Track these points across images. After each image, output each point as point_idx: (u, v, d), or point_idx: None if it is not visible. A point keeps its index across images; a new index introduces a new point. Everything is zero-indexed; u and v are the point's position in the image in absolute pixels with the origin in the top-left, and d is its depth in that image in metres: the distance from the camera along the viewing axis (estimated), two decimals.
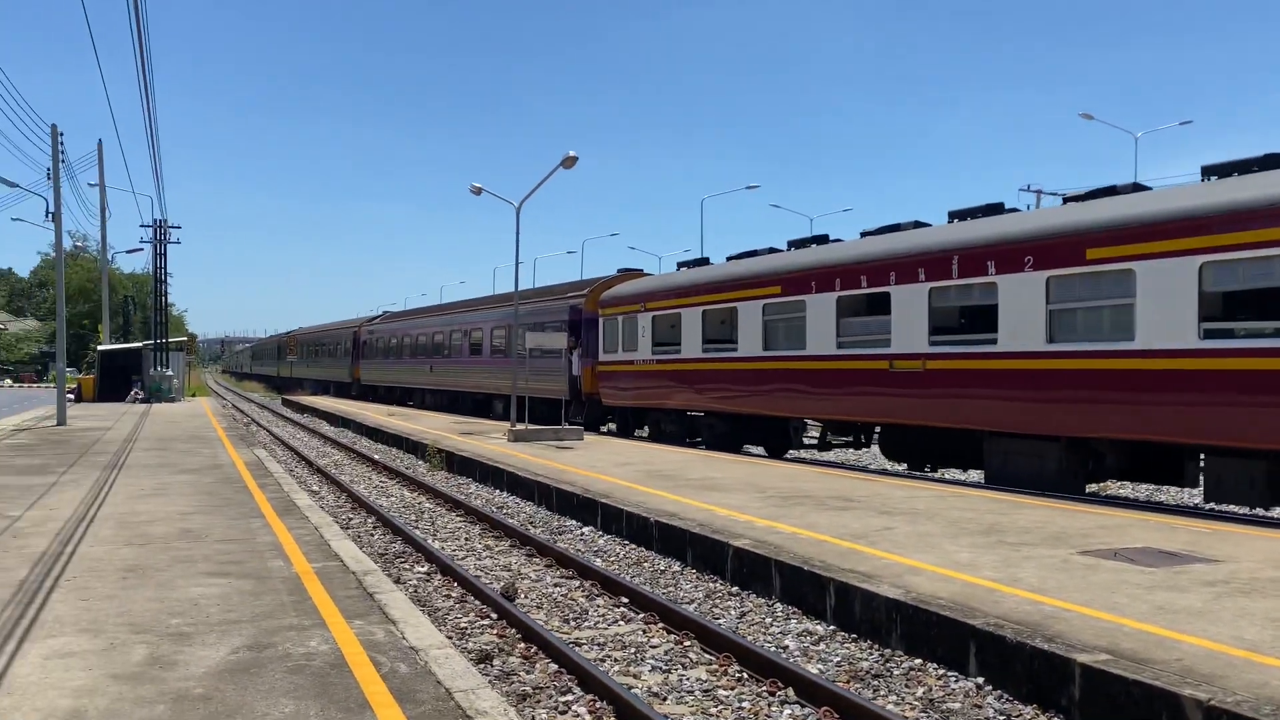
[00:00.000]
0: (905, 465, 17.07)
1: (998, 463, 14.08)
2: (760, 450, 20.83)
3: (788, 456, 20.18)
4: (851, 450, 20.84)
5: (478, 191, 25.82)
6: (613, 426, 27.33)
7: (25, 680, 5.39)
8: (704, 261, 22.91)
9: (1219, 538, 9.50)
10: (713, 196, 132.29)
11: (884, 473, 16.69)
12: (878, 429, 17.60)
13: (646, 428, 24.96)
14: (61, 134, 31.32)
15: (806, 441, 20.43)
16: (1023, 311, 13.40)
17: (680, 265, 23.65)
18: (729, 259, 21.30)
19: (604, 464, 16.88)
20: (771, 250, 20.16)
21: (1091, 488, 16.91)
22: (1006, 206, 15.31)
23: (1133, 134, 49.14)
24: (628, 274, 27.02)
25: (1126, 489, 16.55)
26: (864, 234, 17.43)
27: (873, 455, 21.37)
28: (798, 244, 19.33)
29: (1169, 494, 16.70)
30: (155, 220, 46.73)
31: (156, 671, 5.55)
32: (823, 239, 18.90)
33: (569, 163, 22.51)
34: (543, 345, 24.41)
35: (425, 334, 39.76)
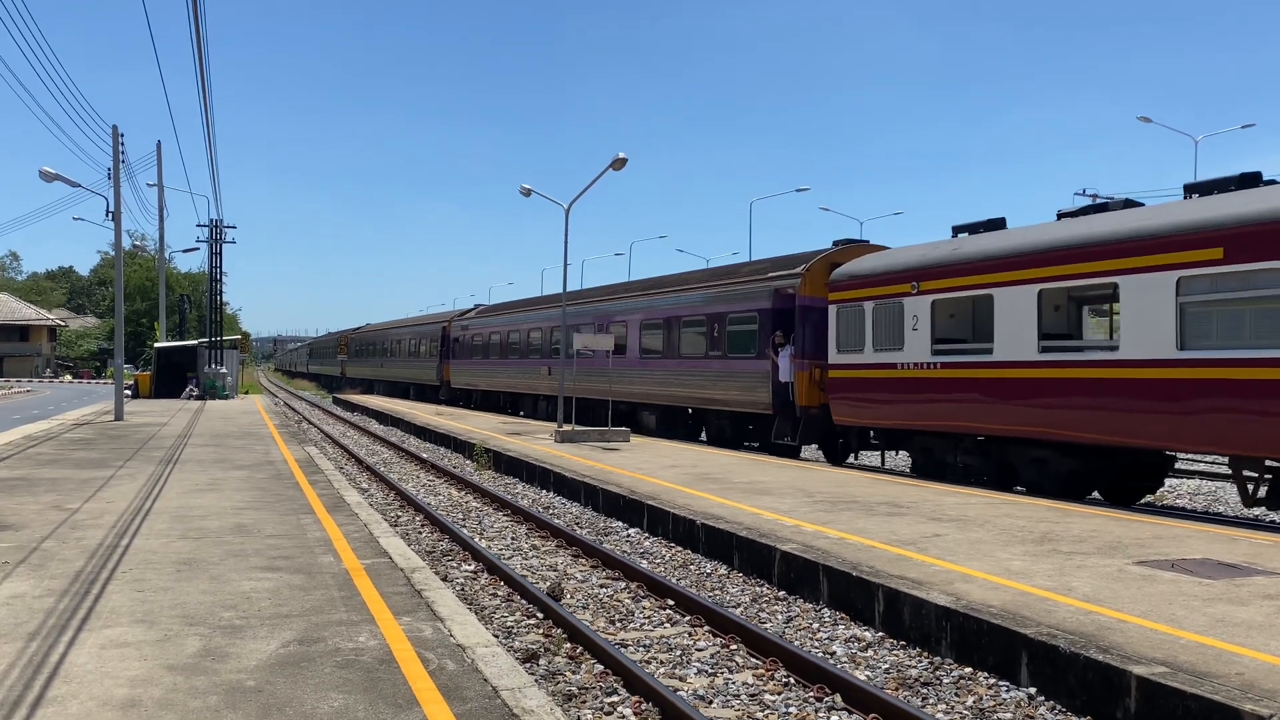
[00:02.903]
0: None
1: None
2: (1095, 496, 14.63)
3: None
4: None
5: (527, 193, 25.95)
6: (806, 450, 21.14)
7: (82, 669, 5.49)
8: (998, 224, 15.95)
9: None
10: (761, 199, 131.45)
11: (934, 479, 16.49)
12: None
13: (885, 453, 19.36)
14: (122, 135, 32.08)
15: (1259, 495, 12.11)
16: None
17: (957, 230, 16.57)
18: (1061, 215, 14.79)
19: (651, 466, 16.87)
20: (1129, 204, 14.08)
21: (1148, 497, 15.17)
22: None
23: (1192, 137, 48.20)
24: (852, 247, 20.10)
25: (1185, 499, 16.21)
26: None
27: None
28: (1200, 188, 13.06)
29: (1228, 505, 16.14)
30: (211, 220, 47.63)
31: (209, 663, 5.63)
32: (1252, 178, 12.58)
33: (618, 164, 22.55)
34: (591, 346, 23.71)
35: (540, 329, 32.83)
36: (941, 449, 16.11)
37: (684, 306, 23.88)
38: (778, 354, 19.64)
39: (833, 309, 18.17)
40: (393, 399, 49.36)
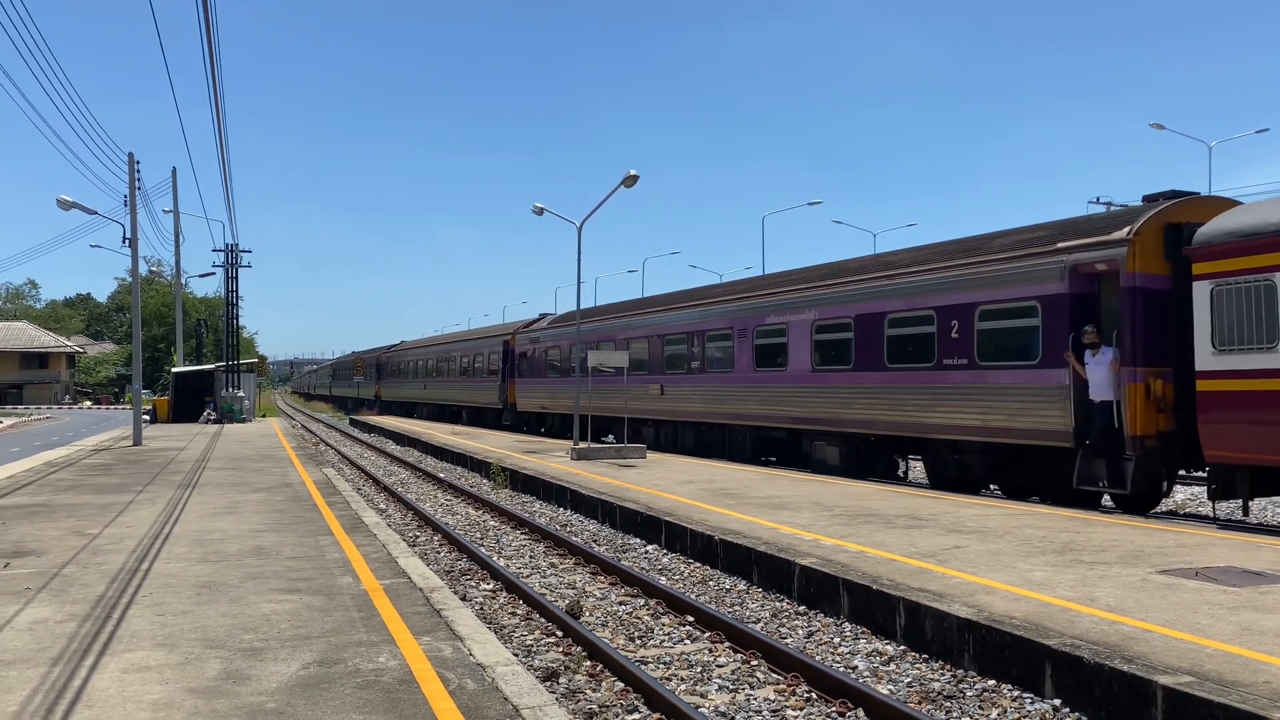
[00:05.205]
0: None
1: None
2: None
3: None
4: None
5: (540, 212, 26.07)
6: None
7: (105, 693, 5.50)
8: None
9: None
10: (774, 214, 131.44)
11: (952, 491, 16.39)
12: None
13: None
14: (138, 162, 32.36)
15: None
16: None
17: None
18: None
19: (667, 482, 16.84)
20: None
21: (1168, 505, 15.20)
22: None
23: (1206, 143, 48.02)
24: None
25: (1205, 507, 16.05)
26: None
27: None
28: None
29: (1252, 512, 15.70)
30: (227, 245, 48.04)
31: (230, 686, 5.63)
32: None
33: (630, 182, 22.63)
34: (605, 364, 23.53)
35: (645, 337, 26.45)
36: None
37: (892, 298, 17.25)
38: (1083, 360, 13.52)
39: (1202, 288, 12.17)
40: (421, 421, 48.87)
